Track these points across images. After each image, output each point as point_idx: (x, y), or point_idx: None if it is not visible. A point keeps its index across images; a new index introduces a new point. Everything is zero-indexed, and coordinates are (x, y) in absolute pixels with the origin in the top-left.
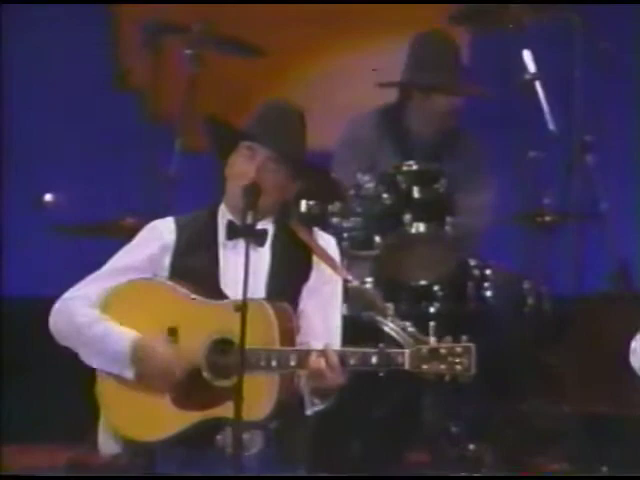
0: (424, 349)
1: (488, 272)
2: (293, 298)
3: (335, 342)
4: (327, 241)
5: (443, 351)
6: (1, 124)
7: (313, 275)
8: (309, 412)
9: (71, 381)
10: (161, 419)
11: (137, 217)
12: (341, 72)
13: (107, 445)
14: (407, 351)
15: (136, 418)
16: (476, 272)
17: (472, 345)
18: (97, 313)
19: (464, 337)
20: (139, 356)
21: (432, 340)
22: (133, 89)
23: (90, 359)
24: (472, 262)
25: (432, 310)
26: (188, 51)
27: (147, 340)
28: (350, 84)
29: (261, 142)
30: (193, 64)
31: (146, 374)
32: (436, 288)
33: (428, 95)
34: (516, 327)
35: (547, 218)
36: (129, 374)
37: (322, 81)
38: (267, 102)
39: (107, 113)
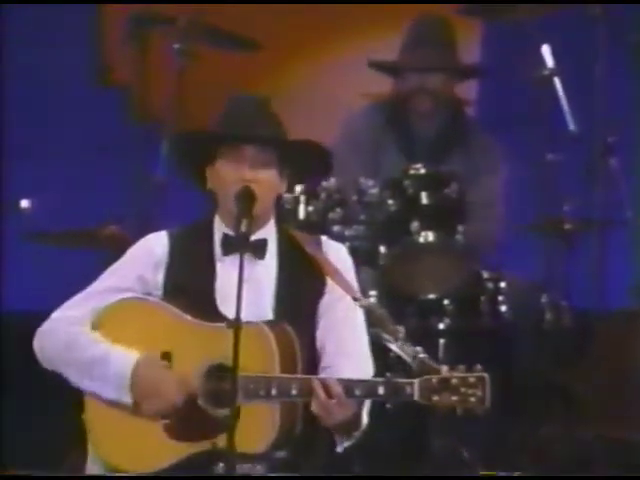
0: (434, 379)
1: (503, 285)
2: (307, 317)
3: (362, 364)
4: (337, 250)
5: (455, 381)
6: None
7: (328, 290)
8: (339, 449)
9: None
10: (153, 450)
11: (121, 225)
12: (341, 66)
13: (94, 472)
14: (416, 381)
15: (126, 448)
16: (490, 285)
17: (486, 375)
18: (94, 334)
19: (478, 366)
20: (140, 382)
21: (444, 369)
22: (117, 86)
23: (84, 382)
24: (485, 274)
25: (442, 326)
26: (176, 45)
27: (150, 366)
28: (350, 79)
29: (245, 139)
30: (182, 59)
31: (145, 401)
32: (446, 302)
33: (421, 75)
34: (533, 344)
35: (567, 226)
36: (128, 399)
37: (321, 76)
38: (231, 98)
39: (89, 112)
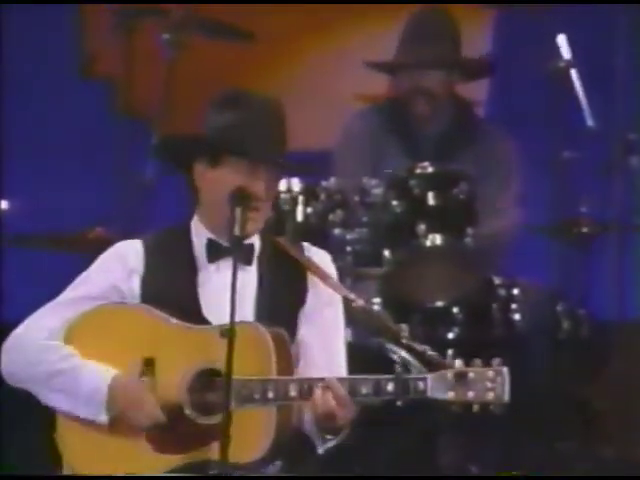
0: (449, 374)
1: (516, 292)
2: (288, 325)
3: (340, 375)
4: (320, 257)
5: (472, 375)
6: None
7: (310, 297)
8: (321, 450)
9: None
10: (137, 465)
11: (108, 227)
12: (338, 63)
13: None
14: (429, 376)
15: (107, 465)
16: (502, 292)
17: (505, 369)
18: (63, 348)
19: (496, 360)
20: (116, 399)
21: (458, 364)
22: (102, 78)
23: (55, 402)
24: (497, 280)
25: (451, 336)
26: (166, 35)
27: (125, 381)
28: (348, 74)
29: (250, 151)
30: (172, 50)
31: (123, 418)
32: (455, 310)
33: (416, 74)
34: (548, 356)
35: (584, 229)
36: (103, 418)
37: (320, 70)
38: (229, 94)
39: (73, 106)
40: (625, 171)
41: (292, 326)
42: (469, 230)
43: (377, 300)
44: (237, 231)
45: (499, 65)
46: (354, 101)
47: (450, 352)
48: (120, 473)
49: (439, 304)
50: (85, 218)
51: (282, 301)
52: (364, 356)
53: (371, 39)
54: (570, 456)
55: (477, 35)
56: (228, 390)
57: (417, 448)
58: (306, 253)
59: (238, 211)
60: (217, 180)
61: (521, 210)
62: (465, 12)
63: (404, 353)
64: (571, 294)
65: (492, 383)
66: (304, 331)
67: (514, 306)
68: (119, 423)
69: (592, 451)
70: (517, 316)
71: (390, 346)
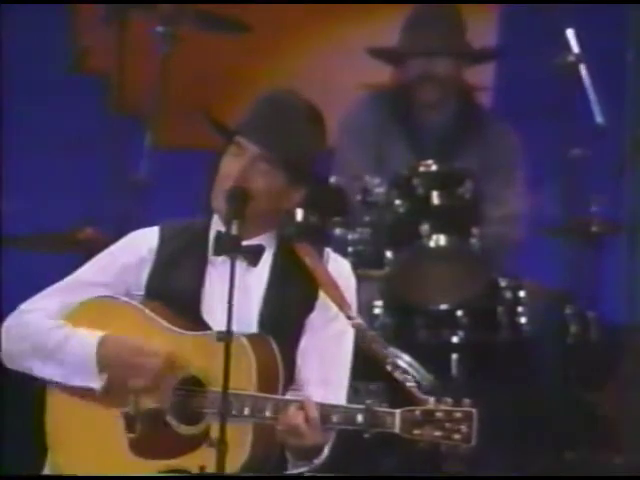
0: (417, 411)
1: (522, 294)
2: (293, 332)
3: (334, 392)
4: (340, 265)
5: (439, 415)
6: None
7: (318, 306)
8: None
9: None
10: (115, 467)
11: (99, 227)
12: (340, 53)
13: None
14: (398, 412)
15: (87, 464)
16: (508, 294)
17: (474, 411)
18: (57, 321)
19: (466, 400)
20: (107, 356)
21: (430, 401)
22: (94, 73)
23: (47, 372)
24: (503, 282)
25: (455, 340)
26: (159, 28)
27: (115, 337)
28: (350, 65)
29: (250, 138)
30: (165, 43)
31: (117, 379)
32: (460, 313)
33: (425, 60)
34: (556, 360)
35: (594, 228)
36: (96, 383)
37: (320, 64)
38: (267, 92)
39: (63, 101)
40: (636, 169)
41: (296, 333)
42: (474, 230)
43: (379, 303)
44: (234, 230)
45: (506, 60)
46: (355, 92)
47: (455, 357)
48: (96, 469)
49: (443, 307)
50: (76, 218)
51: (288, 307)
52: (365, 359)
53: (375, 30)
54: (577, 462)
55: (484, 29)
56: (225, 396)
57: (421, 453)
58: (324, 258)
59: (233, 211)
60: (219, 170)
61: (526, 208)
62: (471, 6)
63: (407, 357)
64: (580, 296)
65: (459, 425)
66: (305, 341)
67: (520, 309)
68: (112, 390)
69: (600, 457)
70: (523, 319)
71: (394, 350)
